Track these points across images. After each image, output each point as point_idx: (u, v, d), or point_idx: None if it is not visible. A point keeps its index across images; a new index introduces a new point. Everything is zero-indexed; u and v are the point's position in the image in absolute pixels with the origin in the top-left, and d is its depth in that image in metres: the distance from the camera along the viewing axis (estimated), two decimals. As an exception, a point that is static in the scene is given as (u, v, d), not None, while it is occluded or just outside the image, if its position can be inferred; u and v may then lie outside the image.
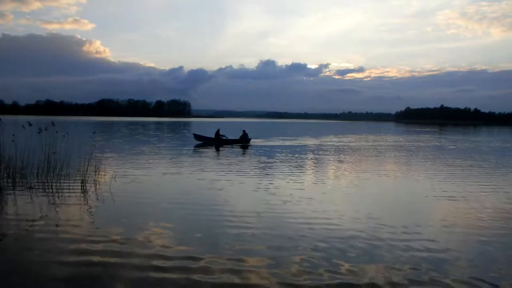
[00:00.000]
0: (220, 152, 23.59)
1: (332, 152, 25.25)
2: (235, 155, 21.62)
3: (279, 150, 25.79)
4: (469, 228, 7.94)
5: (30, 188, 11.08)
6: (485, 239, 7.20)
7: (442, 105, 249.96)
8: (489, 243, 6.99)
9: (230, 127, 43.12)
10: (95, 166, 12.59)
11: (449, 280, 5.39)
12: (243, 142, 30.12)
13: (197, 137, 31.29)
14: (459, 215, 8.95)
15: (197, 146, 27.79)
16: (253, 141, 31.38)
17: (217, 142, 29.70)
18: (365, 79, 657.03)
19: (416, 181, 13.76)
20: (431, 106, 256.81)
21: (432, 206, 10.19)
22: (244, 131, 31.13)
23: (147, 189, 11.70)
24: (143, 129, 56.63)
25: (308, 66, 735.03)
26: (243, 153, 22.90)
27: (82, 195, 10.45)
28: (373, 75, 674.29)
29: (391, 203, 10.41)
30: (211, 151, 24.00)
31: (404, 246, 6.67)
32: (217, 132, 30.31)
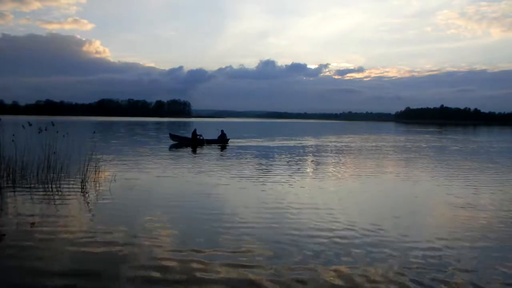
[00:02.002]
0: (207, 152, 23.57)
1: (332, 152, 25.24)
2: (230, 156, 21.60)
3: (277, 150, 25.78)
4: (472, 233, 7.87)
5: (30, 188, 11.09)
6: (489, 245, 7.12)
7: (442, 105, 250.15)
8: (493, 249, 6.94)
9: (217, 127, 42.87)
10: (95, 166, 12.60)
11: (448, 285, 5.40)
12: (222, 142, 29.49)
13: (173, 137, 30.79)
14: (462, 219, 8.91)
15: (172, 146, 27.14)
16: (235, 141, 31.03)
17: (194, 142, 28.95)
18: (365, 79, 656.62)
19: (418, 183, 13.73)
20: (431, 106, 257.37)
21: (435, 209, 10.17)
22: (222, 131, 30.75)
23: (146, 189, 11.71)
24: (143, 129, 56.61)
25: (308, 66, 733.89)
26: (237, 154, 22.86)
27: (82, 195, 10.46)
28: (373, 75, 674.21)
29: (392, 206, 10.38)
30: (207, 152, 23.97)
31: (405, 250, 6.65)
32: (194, 132, 29.78)
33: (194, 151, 23.88)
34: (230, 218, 8.42)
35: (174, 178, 13.60)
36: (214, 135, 31.74)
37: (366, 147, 29.54)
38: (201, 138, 29.62)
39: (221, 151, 24.48)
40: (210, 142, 29.63)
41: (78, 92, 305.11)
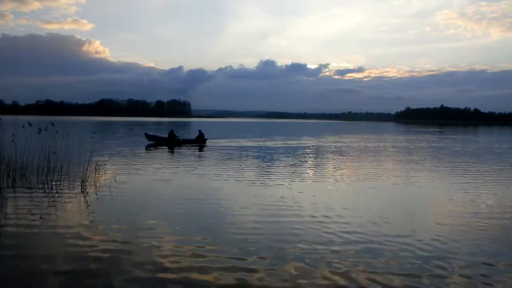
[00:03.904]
0: (204, 153, 23.54)
1: (332, 153, 25.20)
2: (230, 157, 21.58)
3: (276, 151, 25.75)
4: (472, 235, 7.87)
5: (30, 188, 11.07)
6: (489, 249, 7.10)
7: (442, 105, 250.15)
8: (492, 253, 6.92)
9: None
10: (95, 166, 12.59)
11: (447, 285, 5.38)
12: (199, 142, 29.11)
13: (148, 136, 30.49)
14: (464, 221, 8.87)
15: (149, 146, 26.78)
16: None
17: (171, 142, 28.57)
18: (365, 79, 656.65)
19: (420, 185, 13.62)
20: (431, 106, 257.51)
21: (437, 212, 10.15)
22: (200, 131, 30.63)
23: (146, 189, 11.71)
24: (143, 129, 56.55)
25: (308, 66, 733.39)
26: (237, 155, 22.83)
27: (81, 195, 10.45)
28: (372, 75, 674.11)
29: (393, 208, 10.30)
30: (202, 153, 23.94)
31: (404, 251, 6.62)
32: (171, 132, 29.55)
33: (171, 151, 23.64)
34: (229, 220, 8.42)
35: (173, 179, 13.60)
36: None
37: (367, 148, 29.50)
38: (178, 138, 29.34)
39: (200, 151, 24.23)
40: (187, 142, 29.42)
41: (78, 92, 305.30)
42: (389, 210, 9.47)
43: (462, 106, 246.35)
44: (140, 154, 21.37)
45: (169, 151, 23.77)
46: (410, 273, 5.60)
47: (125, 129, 57.04)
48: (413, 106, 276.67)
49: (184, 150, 24.50)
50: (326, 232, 7.40)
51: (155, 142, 29.17)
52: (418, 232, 7.55)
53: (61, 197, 10.17)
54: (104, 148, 22.70)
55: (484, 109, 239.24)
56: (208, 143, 29.42)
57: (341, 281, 5.32)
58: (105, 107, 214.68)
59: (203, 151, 24.55)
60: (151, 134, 31.91)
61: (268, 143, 31.94)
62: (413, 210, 9.77)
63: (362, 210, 9.23)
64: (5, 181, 11.54)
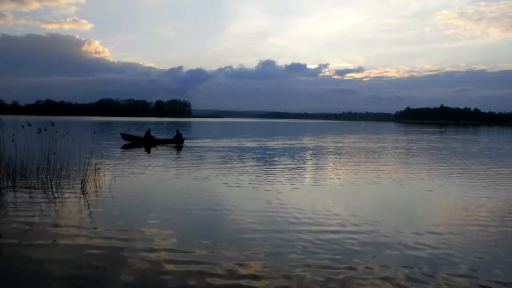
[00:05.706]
0: (203, 154, 23.51)
1: (332, 154, 25.15)
2: (231, 158, 21.57)
3: (275, 152, 25.70)
4: (472, 236, 7.85)
5: (30, 188, 11.05)
6: (486, 256, 7.08)
7: (442, 105, 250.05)
8: (491, 254, 6.90)
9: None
10: (95, 166, 12.56)
11: (447, 283, 5.38)
12: (176, 142, 29.01)
13: (124, 136, 30.26)
14: (467, 222, 8.89)
15: (125, 146, 26.57)
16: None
17: (147, 142, 28.47)
18: (364, 79, 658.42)
19: (423, 187, 13.58)
20: (431, 106, 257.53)
21: (437, 216, 10.13)
22: (178, 130, 30.58)
23: (146, 189, 11.69)
24: (143, 130, 56.54)
25: (308, 66, 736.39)
26: (237, 156, 22.80)
27: (81, 195, 10.43)
28: (372, 75, 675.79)
29: (389, 210, 10.25)
30: (202, 154, 23.92)
31: (404, 250, 6.62)
32: (148, 132, 29.45)
33: (148, 151, 23.54)
34: (229, 221, 8.39)
35: (172, 180, 13.58)
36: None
37: (367, 148, 29.42)
38: (154, 138, 29.28)
39: (178, 151, 24.09)
40: (165, 142, 29.45)
41: (78, 92, 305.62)
42: (386, 214, 9.34)
43: (462, 106, 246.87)
44: (139, 155, 21.33)
45: (148, 150, 23.70)
46: (411, 271, 5.55)
47: (124, 129, 56.95)
48: (413, 106, 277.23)
49: (182, 151, 24.50)
50: (322, 237, 7.33)
51: (131, 142, 29.00)
52: (411, 237, 7.36)
53: (61, 197, 10.15)
54: (103, 148, 22.68)
55: (484, 109, 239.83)
56: (185, 143, 29.29)
57: (343, 280, 5.31)
58: (105, 107, 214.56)
59: (181, 150, 24.42)
60: (127, 133, 31.86)
61: (268, 143, 31.87)
62: (409, 213, 9.71)
63: (359, 214, 9.05)
64: (5, 181, 11.52)
